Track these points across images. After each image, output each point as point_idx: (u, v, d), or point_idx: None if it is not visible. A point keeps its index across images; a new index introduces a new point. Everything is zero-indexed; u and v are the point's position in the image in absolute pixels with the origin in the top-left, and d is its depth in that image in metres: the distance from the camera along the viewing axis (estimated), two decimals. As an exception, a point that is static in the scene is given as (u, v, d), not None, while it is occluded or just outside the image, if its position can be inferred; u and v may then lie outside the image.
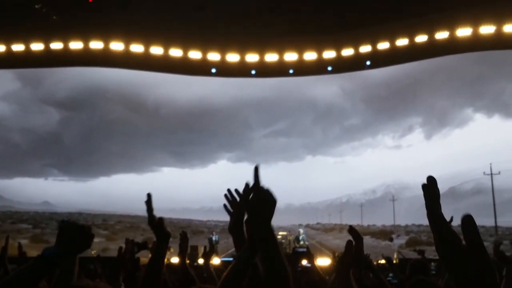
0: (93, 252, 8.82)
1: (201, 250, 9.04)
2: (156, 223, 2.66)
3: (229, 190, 2.59)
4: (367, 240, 67.52)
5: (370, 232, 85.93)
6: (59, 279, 2.64)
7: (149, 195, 2.69)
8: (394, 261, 8.58)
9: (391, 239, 11.47)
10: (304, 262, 8.50)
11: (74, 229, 1.92)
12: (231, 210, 2.55)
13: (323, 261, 7.72)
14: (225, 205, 2.57)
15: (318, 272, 5.52)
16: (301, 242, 9.61)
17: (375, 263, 8.34)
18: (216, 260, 8.47)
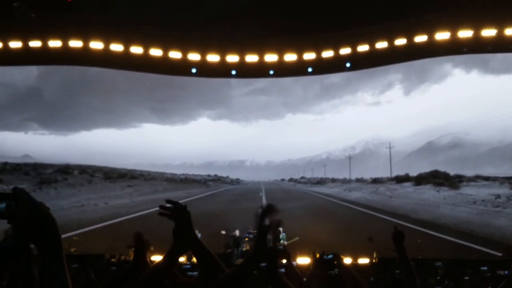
0: (72, 250, 8.85)
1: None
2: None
3: (161, 207, 2.77)
4: (406, 189, 56.56)
5: (402, 178, 70.91)
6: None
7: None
8: (374, 260, 8.78)
9: (370, 239, 11.24)
10: (284, 261, 8.73)
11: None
12: (173, 218, 2.72)
13: (303, 260, 7.94)
14: (170, 216, 2.72)
15: (295, 270, 5.71)
16: (281, 241, 9.79)
17: (356, 262, 8.57)
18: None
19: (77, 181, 56.28)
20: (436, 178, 57.91)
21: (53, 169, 65.72)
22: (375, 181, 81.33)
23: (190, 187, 77.18)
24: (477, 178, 62.56)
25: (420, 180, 60.60)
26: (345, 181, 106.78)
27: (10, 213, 1.61)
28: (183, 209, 2.71)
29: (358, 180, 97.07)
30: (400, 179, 69.64)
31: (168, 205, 2.74)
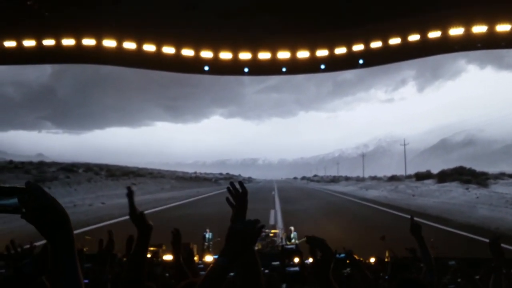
0: (84, 250, 8.86)
1: (193, 247, 9.21)
2: (137, 217, 2.73)
3: (231, 183, 2.72)
4: (429, 187, 50.77)
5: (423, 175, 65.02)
6: None
7: (129, 189, 2.76)
8: (386, 260, 8.72)
9: (383, 238, 10.88)
10: (296, 260, 8.72)
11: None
12: (233, 203, 2.66)
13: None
14: (227, 199, 2.68)
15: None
16: (293, 240, 9.77)
17: (366, 261, 8.53)
18: (208, 258, 8.64)
19: (75, 180, 52.68)
20: (462, 175, 54.07)
21: (57, 167, 62.00)
22: (392, 178, 77.77)
23: (200, 186, 75.90)
24: (502, 175, 58.45)
25: (444, 177, 56.69)
26: (359, 179, 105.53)
27: (23, 208, 1.61)
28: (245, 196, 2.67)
29: (373, 178, 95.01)
30: (420, 176, 65.68)
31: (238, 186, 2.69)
